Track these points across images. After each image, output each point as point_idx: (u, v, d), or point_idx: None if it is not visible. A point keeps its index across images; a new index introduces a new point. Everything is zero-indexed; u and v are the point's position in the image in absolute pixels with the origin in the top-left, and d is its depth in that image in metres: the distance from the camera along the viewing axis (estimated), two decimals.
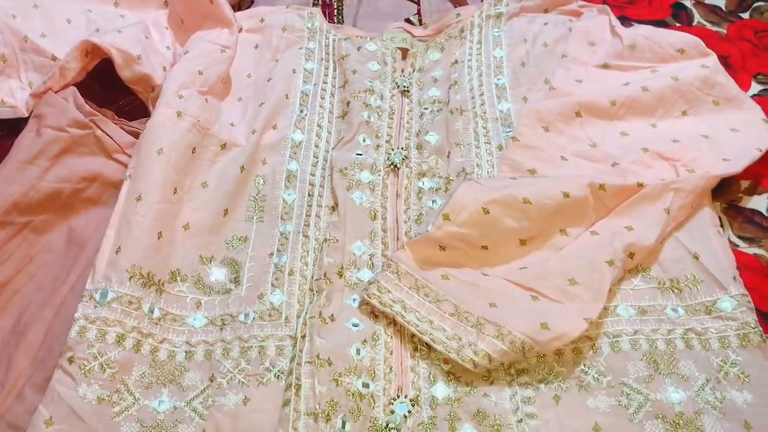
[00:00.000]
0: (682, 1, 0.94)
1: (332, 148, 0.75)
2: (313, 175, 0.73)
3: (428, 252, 0.63)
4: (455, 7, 0.95)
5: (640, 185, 0.65)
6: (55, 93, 0.72)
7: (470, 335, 0.57)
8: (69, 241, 0.66)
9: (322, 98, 0.81)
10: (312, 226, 0.68)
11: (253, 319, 0.62)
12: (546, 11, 0.88)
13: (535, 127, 0.72)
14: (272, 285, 0.64)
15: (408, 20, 0.94)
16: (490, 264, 0.63)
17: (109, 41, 0.72)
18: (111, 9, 0.84)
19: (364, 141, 0.75)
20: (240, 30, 0.85)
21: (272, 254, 0.66)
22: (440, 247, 0.63)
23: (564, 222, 0.64)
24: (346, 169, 0.72)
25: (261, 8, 0.90)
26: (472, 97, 0.79)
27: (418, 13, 0.95)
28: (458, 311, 0.59)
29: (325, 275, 0.63)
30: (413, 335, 0.60)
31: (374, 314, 0.61)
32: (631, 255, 0.62)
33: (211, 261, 0.66)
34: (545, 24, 0.86)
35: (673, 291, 0.62)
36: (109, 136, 0.69)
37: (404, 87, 0.82)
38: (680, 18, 0.92)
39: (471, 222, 0.63)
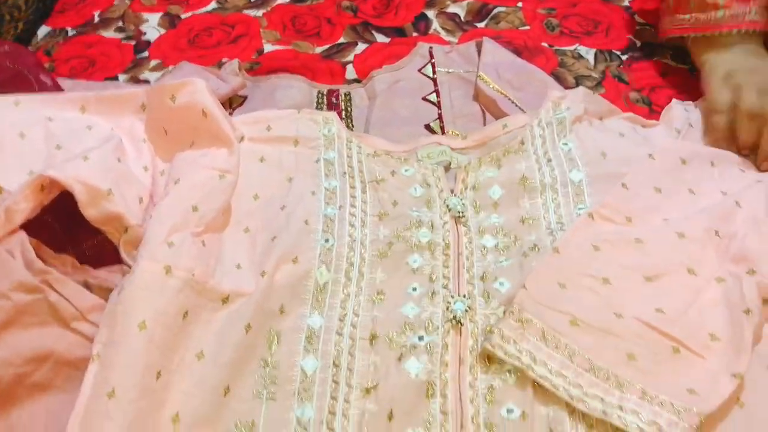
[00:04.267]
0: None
1: (366, 301, 0.58)
2: (340, 334, 0.55)
3: (549, 290, 0.56)
4: (483, 110, 0.79)
5: None
6: None
7: (612, 397, 0.50)
8: None
9: (352, 225, 0.63)
10: (338, 415, 0.51)
11: None
12: (601, 119, 0.74)
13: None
14: None
15: (428, 126, 0.78)
16: (618, 301, 0.56)
17: (72, 174, 0.54)
18: (76, 116, 0.65)
19: (414, 291, 0.59)
20: (241, 139, 0.68)
21: None
22: (559, 284, 0.56)
23: (688, 260, 0.58)
24: (391, 338, 0.55)
25: (266, 113, 0.72)
26: (550, 232, 0.63)
27: (440, 117, 0.79)
28: (594, 367, 0.52)
29: None
30: None
31: None
32: (766, 301, 0.57)
33: None
34: (621, 135, 0.71)
35: None
36: (66, 299, 0.50)
37: (458, 212, 0.65)
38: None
39: (583, 255, 0.58)
